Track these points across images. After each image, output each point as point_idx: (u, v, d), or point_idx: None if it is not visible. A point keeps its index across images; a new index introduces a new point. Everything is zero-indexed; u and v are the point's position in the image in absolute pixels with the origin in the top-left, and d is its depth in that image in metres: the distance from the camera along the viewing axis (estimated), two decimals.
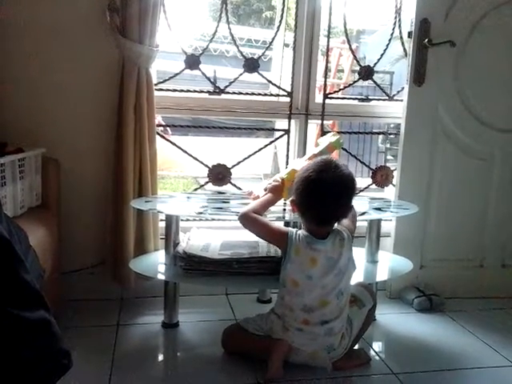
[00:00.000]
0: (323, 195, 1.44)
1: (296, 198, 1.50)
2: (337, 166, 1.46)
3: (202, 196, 2.05)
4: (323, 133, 2.16)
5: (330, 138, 1.77)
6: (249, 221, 1.54)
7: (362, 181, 2.69)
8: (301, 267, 1.48)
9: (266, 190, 1.66)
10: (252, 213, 1.54)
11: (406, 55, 2.09)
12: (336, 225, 1.55)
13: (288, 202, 1.62)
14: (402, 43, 2.19)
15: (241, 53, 2.11)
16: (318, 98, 2.19)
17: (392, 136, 6.24)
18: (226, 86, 2.09)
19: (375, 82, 2.35)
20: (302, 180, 1.47)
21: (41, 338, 0.86)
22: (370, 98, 2.32)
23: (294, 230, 1.54)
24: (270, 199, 1.61)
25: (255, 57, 2.09)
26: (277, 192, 1.62)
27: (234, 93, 2.12)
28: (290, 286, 1.49)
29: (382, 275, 1.88)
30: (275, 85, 2.26)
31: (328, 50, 2.30)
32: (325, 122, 2.19)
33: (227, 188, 2.15)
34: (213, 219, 2.12)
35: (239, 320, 1.65)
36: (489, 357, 1.68)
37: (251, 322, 1.59)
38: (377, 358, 1.65)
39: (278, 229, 1.56)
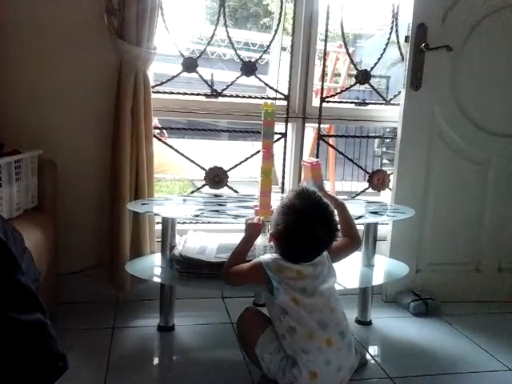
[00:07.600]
0: (302, 221, 1.36)
1: (274, 230, 1.41)
2: (314, 193, 1.42)
3: (198, 199, 2.04)
4: (318, 137, 2.17)
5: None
6: (230, 280, 1.49)
7: (359, 185, 2.70)
8: (291, 283, 1.35)
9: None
10: (229, 271, 1.47)
11: (402, 59, 2.10)
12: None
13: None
14: (399, 47, 2.20)
15: (238, 56, 2.11)
16: (315, 101, 2.20)
17: (388, 140, 6.27)
18: (224, 89, 2.09)
19: (372, 86, 2.36)
20: (279, 210, 1.40)
21: (36, 341, 0.85)
22: (366, 101, 2.33)
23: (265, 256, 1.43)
24: (246, 243, 1.52)
25: (252, 60, 2.09)
26: (253, 230, 1.53)
27: (232, 96, 2.12)
28: (292, 311, 1.33)
29: (377, 279, 1.88)
30: (272, 88, 2.26)
31: (325, 53, 2.30)
32: (321, 125, 2.19)
33: (224, 191, 2.15)
34: (209, 222, 2.11)
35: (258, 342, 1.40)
36: (484, 361, 1.68)
37: (267, 356, 1.37)
38: (373, 361, 1.65)
39: (251, 266, 1.44)
